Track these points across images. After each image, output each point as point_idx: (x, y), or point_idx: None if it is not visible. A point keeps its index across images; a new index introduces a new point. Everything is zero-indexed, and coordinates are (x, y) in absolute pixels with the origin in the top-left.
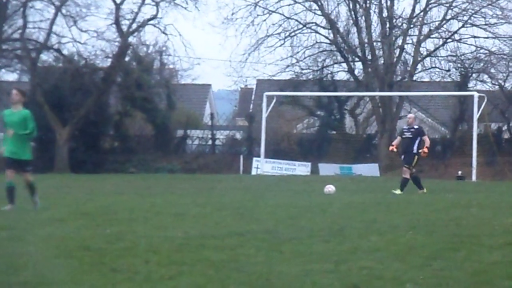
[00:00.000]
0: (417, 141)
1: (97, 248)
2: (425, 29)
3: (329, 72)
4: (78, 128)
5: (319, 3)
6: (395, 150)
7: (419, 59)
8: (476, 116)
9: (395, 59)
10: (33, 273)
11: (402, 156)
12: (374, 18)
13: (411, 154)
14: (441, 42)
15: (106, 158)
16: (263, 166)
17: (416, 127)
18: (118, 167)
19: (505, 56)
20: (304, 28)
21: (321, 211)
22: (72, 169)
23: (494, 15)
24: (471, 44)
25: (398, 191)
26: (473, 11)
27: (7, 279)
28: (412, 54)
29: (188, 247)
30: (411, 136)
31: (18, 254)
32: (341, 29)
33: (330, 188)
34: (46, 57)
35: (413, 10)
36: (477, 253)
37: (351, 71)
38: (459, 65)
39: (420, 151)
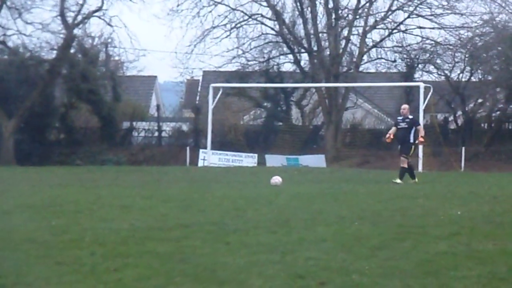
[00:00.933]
0: (412, 131)
1: (43, 240)
2: (371, 20)
3: (275, 63)
4: (24, 120)
5: None
6: (391, 138)
7: (365, 50)
8: (422, 106)
9: (341, 50)
10: None
11: (399, 146)
12: (320, 9)
13: (408, 144)
14: (386, 33)
15: (52, 150)
16: (209, 157)
17: (410, 117)
18: (64, 159)
19: (451, 47)
20: (250, 19)
21: (268, 203)
22: (18, 162)
23: (440, 6)
24: (417, 35)
25: (398, 180)
26: (418, 2)
27: None
28: (358, 45)
29: (133, 239)
30: (406, 126)
31: None
32: (287, 20)
33: (276, 180)
34: None
35: (359, 1)
36: (423, 243)
37: (297, 62)
38: (405, 55)
39: (417, 141)
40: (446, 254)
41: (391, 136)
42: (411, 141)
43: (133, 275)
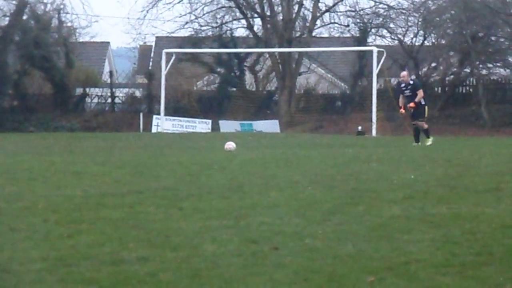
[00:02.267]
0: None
1: None
2: None
3: (228, 28)
4: None
5: None
6: (404, 111)
7: (318, 14)
8: (375, 71)
9: (294, 15)
10: None
11: (412, 112)
12: None
13: (421, 108)
14: None
15: (5, 117)
16: (163, 123)
17: (411, 82)
18: (17, 126)
19: (404, 11)
20: None
21: (221, 168)
22: None
23: None
24: None
25: (429, 142)
26: None
27: None
28: (311, 10)
29: (87, 206)
30: (411, 93)
31: None
32: None
33: (230, 145)
34: None
35: None
36: (376, 207)
37: (250, 27)
38: (358, 20)
39: (424, 104)
40: (399, 218)
41: (402, 108)
42: (422, 103)
43: (86, 241)
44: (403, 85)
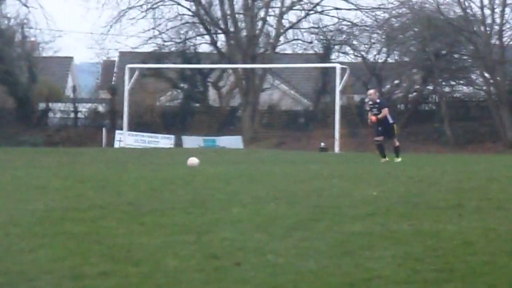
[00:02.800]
0: (388, 114)
1: None
2: (288, 1)
3: (192, 44)
4: None
5: None
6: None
7: (282, 31)
8: (338, 87)
9: (257, 31)
10: None
11: (379, 128)
12: None
13: (390, 126)
14: (303, 14)
15: None
16: (126, 138)
17: (378, 101)
18: None
19: (367, 28)
20: (166, 0)
21: (184, 183)
22: None
23: None
24: (334, 16)
25: (398, 159)
26: None
27: None
28: (275, 26)
29: (49, 220)
30: (378, 112)
31: None
32: (203, 1)
33: (193, 161)
34: None
35: None
36: (338, 223)
37: (214, 43)
38: (321, 37)
39: (392, 122)
40: (361, 235)
41: (373, 119)
42: (391, 121)
43: (48, 255)
44: (370, 103)
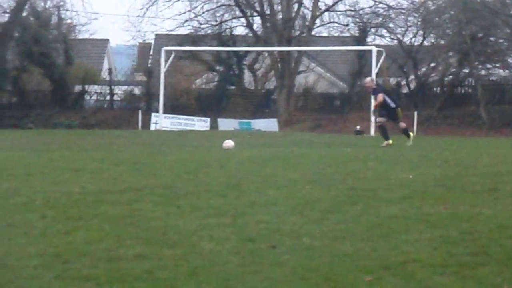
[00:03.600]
0: (387, 99)
1: None
2: None
3: (228, 27)
4: None
5: None
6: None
7: (318, 13)
8: (374, 70)
9: (293, 14)
10: None
11: (383, 112)
12: None
13: (392, 111)
14: None
15: (4, 113)
16: (161, 121)
17: (374, 88)
18: (16, 122)
19: (403, 11)
20: None
21: (219, 166)
22: None
23: None
24: None
25: (409, 142)
26: None
27: None
28: (311, 9)
29: (84, 202)
30: (375, 99)
31: None
32: None
33: (228, 143)
34: None
35: None
36: (374, 206)
37: (249, 26)
38: (357, 19)
39: (394, 106)
40: (397, 218)
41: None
42: (393, 106)
43: (84, 238)
44: (370, 91)
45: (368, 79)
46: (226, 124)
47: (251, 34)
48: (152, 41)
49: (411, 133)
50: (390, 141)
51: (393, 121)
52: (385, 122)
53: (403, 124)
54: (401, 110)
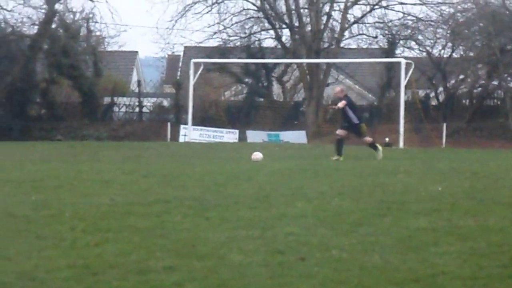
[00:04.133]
0: (350, 113)
1: (23, 215)
2: None
3: (257, 39)
4: (5, 95)
5: None
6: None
7: (347, 26)
8: (403, 82)
9: (322, 26)
10: None
11: (345, 124)
12: None
13: (354, 127)
14: (368, 9)
15: (33, 125)
16: (190, 133)
17: (341, 97)
18: (45, 134)
19: (432, 23)
20: None
21: (248, 178)
22: None
23: None
24: (399, 11)
25: (379, 155)
26: None
27: None
28: (340, 21)
29: (114, 214)
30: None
31: None
32: None
33: (257, 155)
34: None
35: None
36: (403, 219)
37: (278, 38)
38: (386, 32)
39: (357, 122)
40: (426, 230)
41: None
42: (355, 122)
43: (113, 250)
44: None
45: (338, 88)
46: (255, 136)
47: (279, 46)
48: (181, 53)
49: (379, 146)
50: (341, 158)
51: (357, 136)
52: (344, 136)
53: (368, 139)
54: (365, 125)
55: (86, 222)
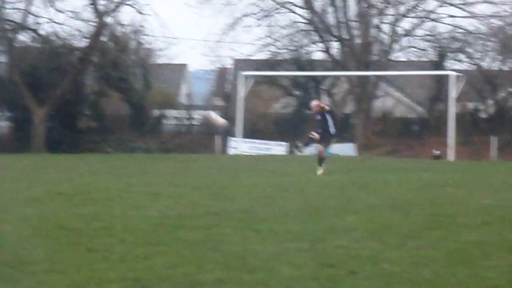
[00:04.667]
0: (330, 120)
1: (73, 228)
2: (402, 8)
3: (306, 51)
4: (55, 108)
5: None
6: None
7: (396, 38)
8: (452, 95)
9: (371, 39)
10: (12, 252)
11: (319, 130)
12: None
13: (328, 135)
14: (417, 22)
15: (82, 137)
16: (239, 145)
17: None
18: (94, 146)
19: (482, 36)
20: (281, 8)
21: (297, 191)
22: (48, 149)
23: None
24: (448, 24)
25: (319, 171)
26: None
27: None
28: (389, 34)
29: (163, 227)
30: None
31: None
32: (318, 9)
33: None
34: (23, 37)
35: None
36: (453, 232)
37: (327, 50)
38: (435, 44)
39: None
40: (477, 243)
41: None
42: (331, 131)
43: (163, 263)
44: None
45: (314, 102)
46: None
47: (329, 59)
48: (230, 66)
49: (324, 165)
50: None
51: (323, 144)
52: (315, 138)
53: (323, 153)
54: (335, 140)
55: (136, 235)
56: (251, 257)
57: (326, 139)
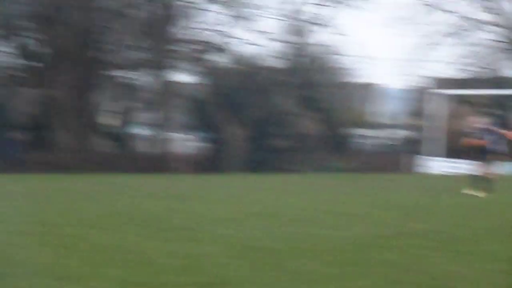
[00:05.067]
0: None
1: (270, 248)
2: None
3: (506, 70)
4: (252, 128)
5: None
6: None
7: None
8: None
9: None
10: (215, 273)
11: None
12: None
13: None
14: None
15: (279, 157)
16: (438, 165)
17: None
18: (291, 166)
19: None
20: (478, 26)
21: (498, 211)
22: (245, 169)
23: None
24: None
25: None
26: None
27: (193, 279)
28: None
29: (360, 247)
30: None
31: (197, 255)
32: None
33: None
34: (219, 58)
35: None
36: None
37: None
38: None
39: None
40: None
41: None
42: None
43: (363, 284)
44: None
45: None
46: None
47: None
48: (426, 85)
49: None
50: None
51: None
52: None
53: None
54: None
55: (331, 255)
56: (452, 280)
57: (483, 156)
